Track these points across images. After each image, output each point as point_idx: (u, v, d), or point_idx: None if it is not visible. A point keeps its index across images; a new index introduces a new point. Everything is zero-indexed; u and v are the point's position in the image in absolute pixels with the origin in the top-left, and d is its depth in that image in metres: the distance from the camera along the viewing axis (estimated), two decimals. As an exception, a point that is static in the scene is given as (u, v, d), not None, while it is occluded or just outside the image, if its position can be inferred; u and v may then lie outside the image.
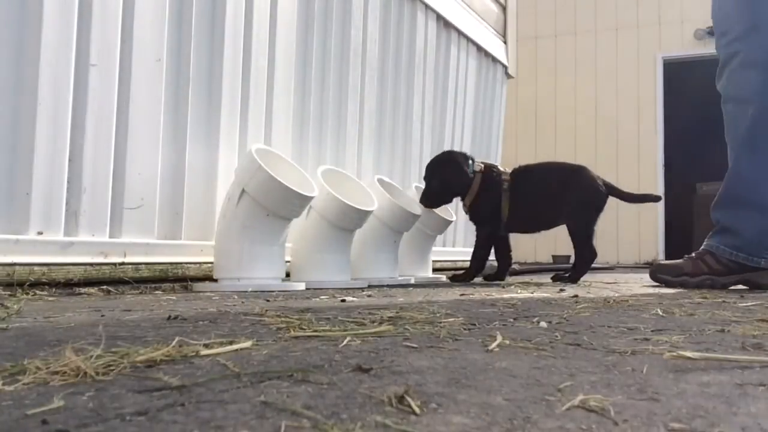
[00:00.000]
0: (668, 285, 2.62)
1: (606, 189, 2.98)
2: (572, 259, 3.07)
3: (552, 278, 3.04)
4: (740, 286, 2.52)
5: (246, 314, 1.25)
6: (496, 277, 3.12)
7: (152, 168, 2.20)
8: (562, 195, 2.95)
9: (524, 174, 3.04)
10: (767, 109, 2.43)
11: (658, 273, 2.74)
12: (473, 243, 3.10)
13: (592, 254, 2.97)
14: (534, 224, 3.13)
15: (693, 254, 2.68)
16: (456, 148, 4.42)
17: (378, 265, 2.81)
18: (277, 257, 2.24)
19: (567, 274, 3.00)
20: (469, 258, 3.11)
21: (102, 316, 1.24)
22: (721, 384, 0.64)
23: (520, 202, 2.96)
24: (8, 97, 1.81)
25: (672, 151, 8.09)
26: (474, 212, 3.05)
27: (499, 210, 2.96)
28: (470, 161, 3.00)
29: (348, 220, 2.46)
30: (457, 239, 4.45)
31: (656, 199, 3.34)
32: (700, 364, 0.75)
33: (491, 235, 3.05)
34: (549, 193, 2.97)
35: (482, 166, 3.01)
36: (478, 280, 3.09)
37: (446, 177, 2.95)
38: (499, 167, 3.07)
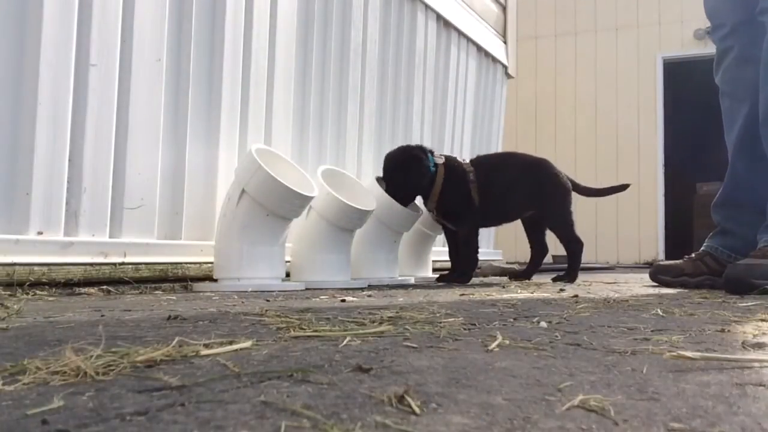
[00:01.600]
0: (668, 286, 2.62)
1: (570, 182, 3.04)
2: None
3: (553, 279, 3.04)
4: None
5: (246, 314, 1.25)
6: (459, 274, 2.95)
7: (152, 168, 2.20)
8: (529, 184, 2.92)
9: (487, 164, 2.94)
10: (761, 106, 2.41)
11: (658, 274, 2.74)
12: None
13: (580, 245, 3.00)
14: (504, 215, 3.08)
15: (693, 255, 2.68)
16: (456, 148, 4.43)
17: (378, 265, 2.81)
18: (277, 257, 2.24)
19: (563, 273, 3.01)
20: None
21: (102, 316, 1.24)
22: (721, 384, 0.64)
23: (489, 193, 2.82)
24: (8, 97, 1.81)
25: (672, 151, 8.09)
26: (444, 209, 2.81)
27: (472, 202, 2.80)
28: (429, 154, 2.77)
29: (348, 220, 2.46)
30: (457, 239, 4.44)
31: (622, 188, 3.29)
32: (700, 364, 0.75)
33: (474, 228, 2.88)
34: (516, 182, 2.91)
35: (443, 158, 2.82)
36: (476, 280, 3.08)
37: (407, 178, 2.72)
38: (457, 158, 2.92)
